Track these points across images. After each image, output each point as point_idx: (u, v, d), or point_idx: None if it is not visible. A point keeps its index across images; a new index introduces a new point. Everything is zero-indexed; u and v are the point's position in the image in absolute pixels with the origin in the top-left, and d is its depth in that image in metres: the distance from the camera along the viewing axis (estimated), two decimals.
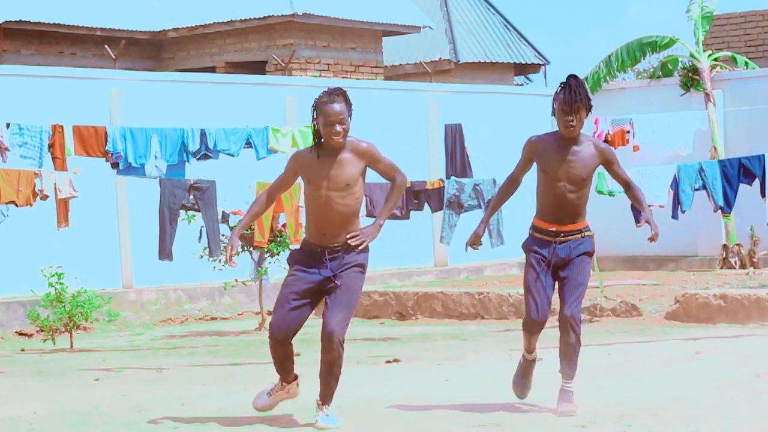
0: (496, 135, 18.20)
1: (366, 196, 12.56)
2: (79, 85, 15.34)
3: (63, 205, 12.03)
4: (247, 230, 12.64)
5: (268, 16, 22.26)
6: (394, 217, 13.26)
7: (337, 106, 6.89)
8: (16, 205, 11.81)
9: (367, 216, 12.30)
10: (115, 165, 12.38)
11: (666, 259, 18.82)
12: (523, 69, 28.87)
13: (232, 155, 12.93)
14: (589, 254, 7.35)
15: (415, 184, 13.35)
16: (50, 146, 11.90)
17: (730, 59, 19.37)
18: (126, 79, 15.97)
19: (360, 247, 7.00)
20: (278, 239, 13.10)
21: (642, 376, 8.79)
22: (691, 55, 18.69)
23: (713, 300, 12.36)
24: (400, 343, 11.89)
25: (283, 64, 20.78)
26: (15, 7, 21.20)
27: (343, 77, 22.48)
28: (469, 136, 14.82)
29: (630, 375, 8.88)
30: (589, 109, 7.23)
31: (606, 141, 15.77)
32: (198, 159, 12.72)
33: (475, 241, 7.57)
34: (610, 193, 14.82)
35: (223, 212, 13.02)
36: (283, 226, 13.05)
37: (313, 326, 7.92)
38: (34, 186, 11.79)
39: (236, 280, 13.74)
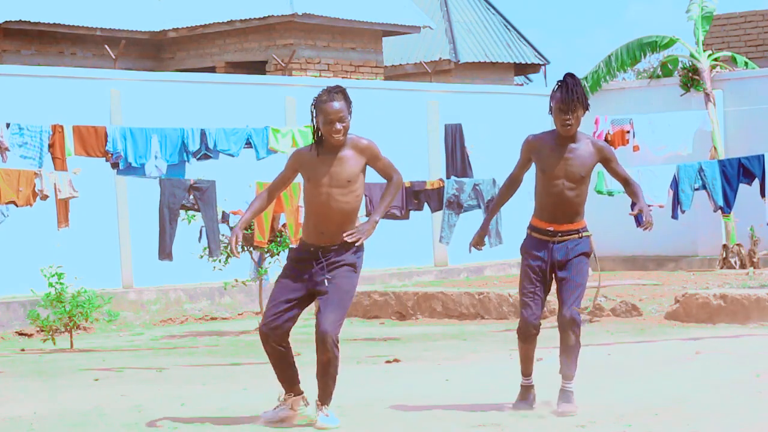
0: (496, 135, 18.20)
1: (366, 196, 12.55)
2: (79, 85, 15.34)
3: (63, 205, 12.03)
4: (247, 230, 12.64)
5: (268, 16, 22.26)
6: (393, 217, 13.27)
7: (337, 104, 6.89)
8: (16, 205, 11.81)
9: (366, 216, 12.30)
10: (115, 165, 12.38)
11: (666, 259, 18.82)
12: (523, 69, 28.87)
13: (232, 155, 12.93)
14: (587, 255, 7.34)
15: (414, 184, 13.35)
16: (50, 146, 11.90)
17: (730, 59, 19.37)
18: (126, 79, 15.97)
19: (356, 244, 6.99)
20: (278, 239, 13.10)
21: (642, 376, 8.79)
22: (691, 55, 18.69)
23: (713, 300, 12.36)
24: (400, 343, 11.89)
25: (283, 64, 20.78)
26: (15, 7, 21.21)
27: (343, 77, 22.48)
28: (469, 136, 14.82)
29: (630, 375, 8.88)
30: (586, 107, 7.23)
31: (606, 141, 15.78)
32: (198, 159, 12.72)
33: (478, 242, 7.56)
34: (610, 193, 14.83)
35: (223, 212, 13.02)
36: (283, 226, 13.06)
37: (313, 326, 7.92)
38: (34, 186, 11.79)
39: (236, 280, 13.74)
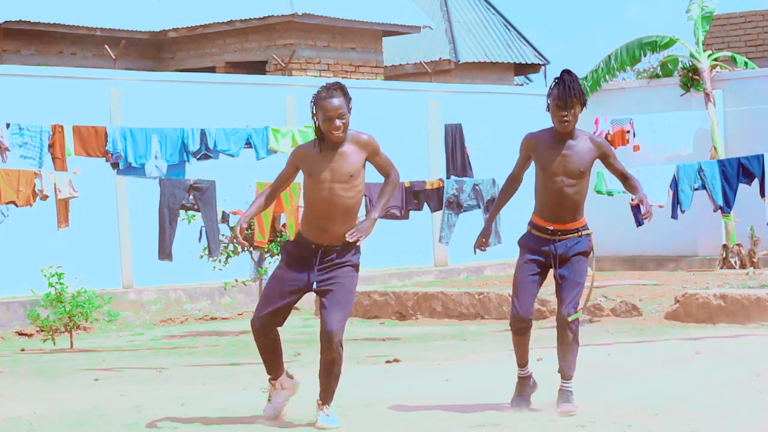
0: (496, 135, 18.20)
1: (366, 196, 12.55)
2: (79, 85, 15.34)
3: (63, 205, 12.03)
4: (247, 230, 12.65)
5: (268, 16, 22.26)
6: (393, 217, 13.27)
7: (336, 101, 6.89)
8: (16, 205, 11.81)
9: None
10: (115, 165, 12.38)
11: (666, 259, 18.82)
12: (523, 69, 28.87)
13: (232, 155, 12.93)
14: (586, 254, 7.34)
15: (414, 184, 13.35)
16: (50, 146, 11.90)
17: (730, 59, 19.37)
18: (126, 79, 15.97)
19: (358, 244, 6.99)
20: (278, 239, 13.10)
21: (642, 376, 8.79)
22: (691, 55, 18.69)
23: (713, 300, 12.36)
24: (400, 343, 11.89)
25: (283, 64, 20.78)
26: (15, 7, 21.21)
27: (343, 77, 22.48)
28: (469, 136, 14.83)
29: (630, 375, 8.88)
30: (583, 104, 7.22)
31: (606, 140, 15.75)
32: (198, 159, 12.72)
33: (482, 244, 7.54)
34: (609, 193, 14.83)
35: (223, 212, 13.02)
36: (283, 226, 13.06)
37: (312, 326, 7.92)
38: (34, 186, 11.79)
39: (236, 280, 13.74)
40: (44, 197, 11.86)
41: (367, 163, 7.08)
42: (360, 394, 8.17)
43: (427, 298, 14.32)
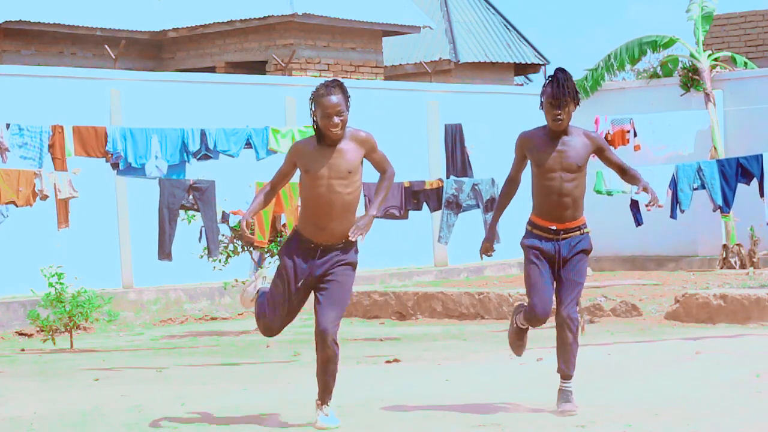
0: (496, 135, 18.20)
1: (365, 196, 12.55)
2: (79, 85, 15.34)
3: (63, 206, 12.03)
4: (248, 230, 12.64)
5: (268, 16, 22.27)
6: (393, 216, 13.26)
7: (335, 98, 6.89)
8: (16, 205, 11.81)
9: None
10: (115, 165, 12.38)
11: (666, 259, 18.82)
12: (523, 69, 28.86)
13: (232, 156, 12.93)
14: (587, 252, 7.33)
15: (414, 184, 13.35)
16: (50, 147, 11.90)
17: (730, 59, 19.37)
18: (126, 79, 15.97)
19: (359, 242, 7.00)
20: (278, 239, 13.10)
21: (642, 376, 8.79)
22: (691, 55, 18.69)
23: (713, 300, 12.36)
24: (400, 343, 11.89)
25: (283, 64, 20.79)
26: (15, 7, 21.21)
27: (343, 77, 22.48)
28: (469, 136, 14.82)
29: (630, 375, 8.88)
30: (577, 102, 7.21)
31: (606, 141, 15.76)
32: (198, 159, 12.72)
33: (487, 249, 7.51)
34: (609, 193, 14.82)
35: (223, 212, 13.02)
36: (283, 226, 13.06)
37: (312, 326, 7.91)
38: (34, 186, 11.79)
39: (236, 280, 13.74)
40: (44, 197, 11.86)
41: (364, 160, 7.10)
42: (360, 394, 8.17)
43: (427, 298, 14.31)
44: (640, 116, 16.52)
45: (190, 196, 12.46)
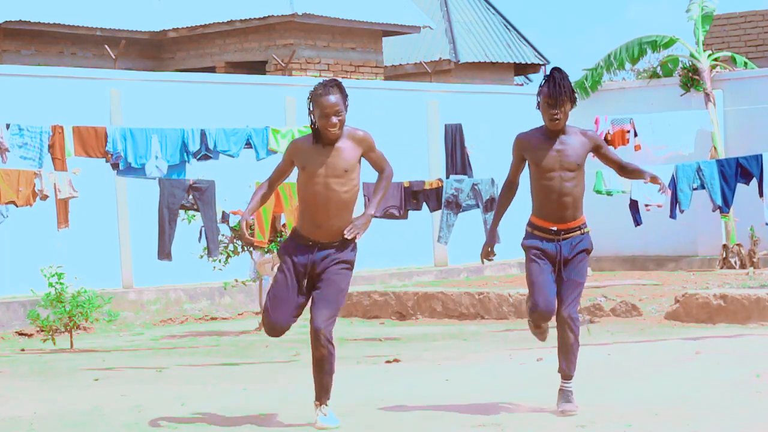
0: (496, 135, 18.18)
1: (365, 196, 12.56)
2: (79, 85, 15.34)
3: (63, 206, 12.04)
4: (252, 236, 12.65)
5: (268, 16, 22.26)
6: (392, 216, 13.27)
7: (333, 98, 6.90)
8: (16, 205, 11.81)
9: None
10: (115, 165, 12.38)
11: (666, 259, 18.82)
12: (523, 69, 28.86)
13: (232, 156, 12.93)
14: (588, 252, 7.33)
15: (413, 184, 13.35)
16: (50, 147, 11.90)
17: (730, 59, 19.37)
18: (126, 79, 15.97)
19: (355, 241, 7.00)
20: (278, 239, 13.10)
21: (642, 376, 8.79)
22: (691, 55, 18.69)
23: (713, 300, 12.36)
24: (400, 343, 11.89)
25: (283, 64, 20.79)
26: (15, 7, 21.21)
27: (343, 77, 22.48)
28: (469, 136, 14.83)
29: (630, 375, 8.88)
30: (573, 101, 7.20)
31: (606, 141, 15.78)
32: (198, 159, 12.72)
33: (488, 254, 7.49)
34: (608, 193, 14.83)
35: (223, 212, 13.03)
36: (283, 226, 13.06)
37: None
38: (34, 186, 11.79)
39: (236, 280, 13.75)
40: (44, 197, 11.87)
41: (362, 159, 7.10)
42: (360, 394, 8.17)
43: (427, 298, 14.31)
44: (640, 116, 16.52)
45: (190, 196, 12.46)
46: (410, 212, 13.45)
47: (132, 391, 8.81)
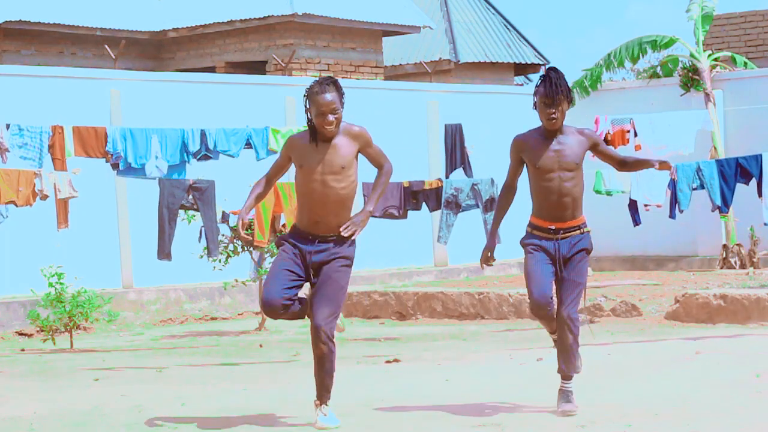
0: (496, 135, 18.17)
1: (365, 196, 12.55)
2: (79, 85, 15.34)
3: (63, 206, 12.04)
4: (246, 230, 12.65)
5: (268, 16, 22.26)
6: (391, 216, 13.26)
7: (329, 96, 6.90)
8: (16, 205, 11.81)
9: None
10: (115, 166, 12.38)
11: (666, 259, 18.82)
12: (523, 69, 28.86)
13: (232, 156, 12.93)
14: (588, 251, 7.32)
15: (413, 184, 13.35)
16: (50, 147, 11.90)
17: (730, 59, 19.37)
18: (126, 79, 15.97)
19: (353, 237, 6.99)
20: (275, 246, 13.08)
21: (642, 376, 8.79)
22: (691, 55, 18.69)
23: (713, 300, 12.36)
24: (400, 343, 11.89)
25: (283, 64, 20.79)
26: (15, 7, 21.21)
27: (343, 77, 22.47)
28: (469, 136, 14.82)
29: (630, 375, 8.88)
30: (570, 101, 7.20)
31: (606, 141, 15.78)
32: (198, 160, 12.72)
33: (487, 260, 7.47)
34: (608, 193, 14.83)
35: (223, 212, 13.03)
36: (283, 226, 13.06)
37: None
38: (34, 186, 11.79)
39: (236, 280, 13.75)
40: (44, 197, 11.87)
41: (361, 156, 7.10)
42: (360, 394, 8.17)
43: (427, 298, 14.31)
44: (640, 116, 16.52)
45: (190, 196, 12.46)
46: (410, 212, 13.45)
47: (132, 391, 8.81)
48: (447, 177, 14.07)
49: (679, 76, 18.93)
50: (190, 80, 16.88)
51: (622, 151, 14.93)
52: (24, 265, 14.20)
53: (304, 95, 6.98)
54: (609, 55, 19.13)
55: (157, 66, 23.51)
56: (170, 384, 9.32)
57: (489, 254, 7.45)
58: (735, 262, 17.28)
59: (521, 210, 8.07)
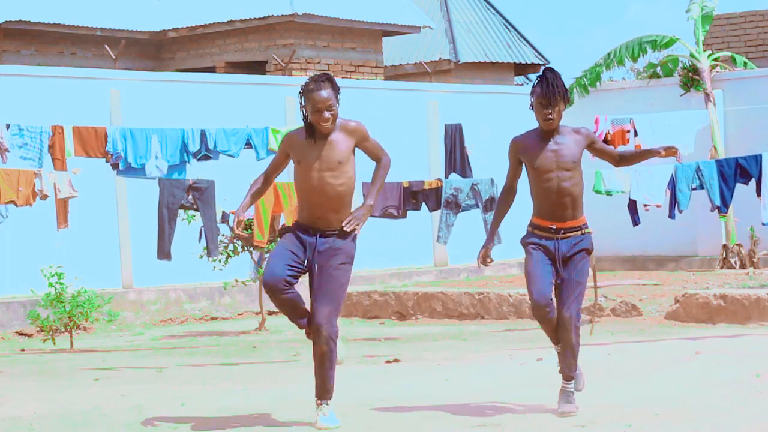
0: (496, 135, 18.16)
1: (365, 196, 12.54)
2: (79, 85, 15.34)
3: (62, 206, 12.03)
4: (246, 230, 12.65)
5: (268, 16, 22.26)
6: (391, 216, 13.26)
7: (325, 93, 6.91)
8: (16, 205, 11.81)
9: None
10: (115, 166, 12.38)
11: (666, 259, 18.82)
12: (523, 69, 28.86)
13: (232, 156, 12.93)
14: (588, 252, 7.32)
15: (413, 184, 13.35)
16: (50, 147, 11.90)
17: (730, 59, 19.37)
18: (126, 79, 15.97)
19: (355, 232, 6.99)
20: (277, 239, 13.08)
21: (642, 376, 8.79)
22: (691, 55, 18.69)
23: (713, 300, 12.36)
24: (400, 343, 11.89)
25: (283, 64, 20.78)
26: (15, 7, 21.21)
27: (343, 77, 22.47)
28: (469, 136, 14.82)
29: (630, 375, 8.88)
30: (566, 101, 7.20)
31: (606, 141, 15.77)
32: (198, 160, 12.72)
33: (485, 257, 7.46)
34: (608, 193, 14.83)
35: (223, 212, 13.03)
36: (283, 226, 13.05)
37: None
38: (34, 186, 11.79)
39: (236, 280, 13.75)
40: (44, 197, 11.87)
41: (361, 157, 7.10)
42: (360, 394, 8.17)
43: (427, 298, 14.31)
44: (640, 116, 16.52)
45: (190, 196, 12.46)
46: (410, 212, 13.44)
47: (132, 391, 8.81)
48: (446, 177, 14.07)
49: (679, 76, 18.93)
50: (190, 80, 16.88)
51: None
52: (24, 265, 14.20)
53: (300, 92, 6.99)
54: (609, 54, 19.13)
55: (157, 66, 23.51)
56: (170, 384, 9.32)
57: (486, 252, 7.43)
58: (735, 262, 17.28)
59: (521, 210, 8.07)
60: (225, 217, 13.11)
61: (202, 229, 12.69)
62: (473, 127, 16.01)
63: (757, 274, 15.44)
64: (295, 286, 7.04)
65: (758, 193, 13.61)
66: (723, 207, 13.82)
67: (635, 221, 14.47)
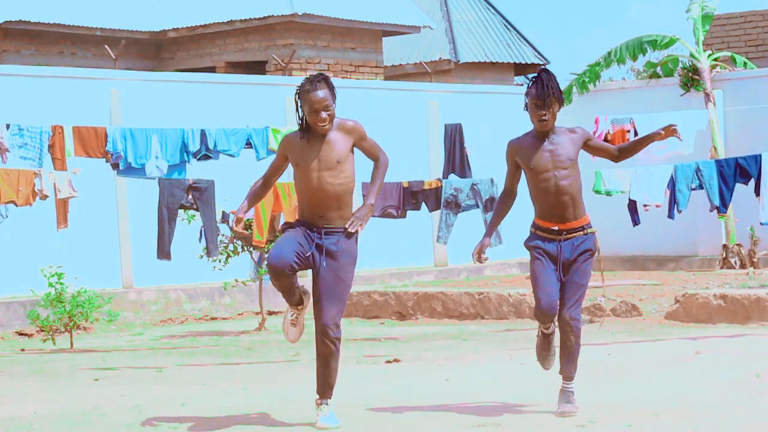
0: (496, 135, 18.16)
1: (365, 196, 12.54)
2: (79, 85, 15.34)
3: (62, 205, 12.03)
4: (246, 230, 12.65)
5: (268, 16, 22.27)
6: (390, 216, 13.26)
7: (321, 93, 6.91)
8: (16, 205, 11.81)
9: None
10: (115, 166, 12.38)
11: (666, 259, 18.82)
12: (523, 69, 28.86)
13: (232, 156, 12.93)
14: (591, 252, 7.32)
15: (412, 184, 13.35)
16: (50, 147, 11.90)
17: (730, 59, 19.37)
18: (126, 79, 15.97)
19: (359, 232, 7.01)
20: (277, 239, 13.08)
21: (642, 376, 8.79)
22: (691, 55, 18.69)
23: (713, 300, 12.35)
24: (400, 343, 11.89)
25: (283, 64, 20.78)
26: (15, 7, 21.21)
27: (343, 77, 22.48)
28: (469, 136, 14.82)
29: (630, 375, 8.88)
30: (561, 102, 7.21)
31: (606, 141, 15.77)
32: (198, 159, 12.72)
33: (480, 252, 7.46)
34: (608, 193, 14.83)
35: (223, 212, 13.03)
36: (286, 222, 13.05)
37: (313, 326, 7.91)
38: (34, 186, 11.79)
39: (236, 280, 13.74)
40: (44, 197, 11.87)
41: (361, 157, 7.10)
42: (360, 394, 8.17)
43: (427, 298, 14.31)
44: (640, 116, 16.52)
45: (190, 196, 12.46)
46: (410, 212, 13.45)
47: (132, 391, 8.81)
48: (446, 177, 14.07)
49: (679, 76, 18.93)
50: (190, 80, 16.88)
51: None
52: (24, 265, 14.20)
53: (296, 93, 7.00)
54: (609, 53, 19.12)
55: (157, 66, 23.51)
56: (170, 384, 9.32)
57: (481, 247, 7.42)
58: (735, 262, 17.28)
59: (522, 211, 8.08)
60: (225, 217, 13.11)
61: (202, 229, 12.69)
62: (473, 127, 16.01)
63: (757, 274, 15.43)
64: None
65: (757, 193, 13.62)
66: (722, 207, 13.82)
67: (635, 221, 14.48)
